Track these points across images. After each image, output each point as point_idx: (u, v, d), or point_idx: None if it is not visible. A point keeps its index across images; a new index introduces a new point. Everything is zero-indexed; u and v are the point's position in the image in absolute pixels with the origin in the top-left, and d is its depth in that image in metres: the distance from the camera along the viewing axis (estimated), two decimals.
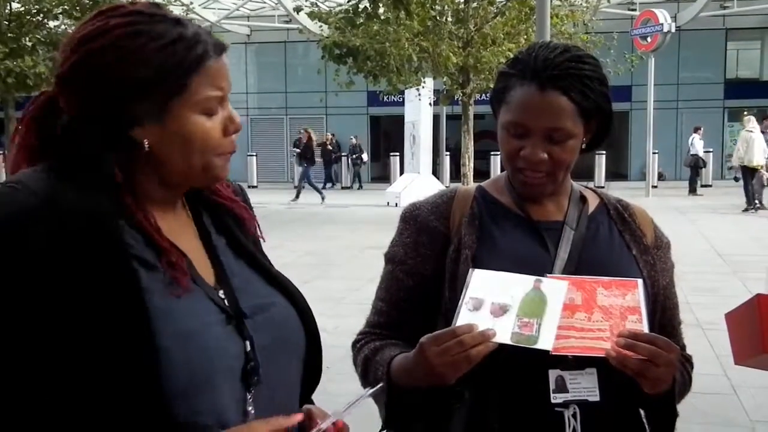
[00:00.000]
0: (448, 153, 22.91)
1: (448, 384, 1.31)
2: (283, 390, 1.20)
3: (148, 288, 1.06)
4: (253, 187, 22.70)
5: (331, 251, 10.86)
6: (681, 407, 1.47)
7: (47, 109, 1.15)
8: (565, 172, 1.49)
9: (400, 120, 20.91)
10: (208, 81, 1.13)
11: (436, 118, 20.07)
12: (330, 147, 25.31)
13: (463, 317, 1.31)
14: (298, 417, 1.14)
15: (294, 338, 1.23)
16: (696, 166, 19.99)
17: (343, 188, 25.04)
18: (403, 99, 19.32)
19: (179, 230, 1.17)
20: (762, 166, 15.49)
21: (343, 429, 1.17)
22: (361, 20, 14.51)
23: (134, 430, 1.03)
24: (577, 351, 1.32)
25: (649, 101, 19.70)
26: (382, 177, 25.99)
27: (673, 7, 24.43)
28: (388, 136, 28.85)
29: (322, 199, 18.65)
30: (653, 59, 19.70)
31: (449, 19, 14.65)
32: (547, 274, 1.39)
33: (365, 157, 25.80)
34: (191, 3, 17.06)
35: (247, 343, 1.14)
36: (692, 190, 19.64)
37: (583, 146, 1.49)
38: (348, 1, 15.38)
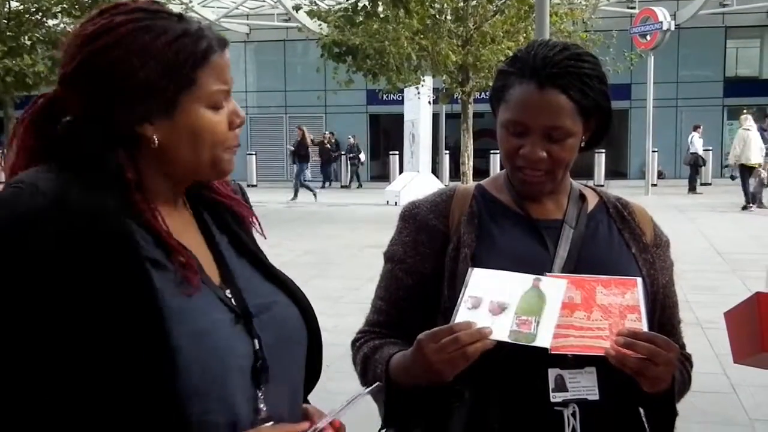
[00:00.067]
0: (447, 151, 22.91)
1: (445, 381, 1.31)
2: (288, 388, 1.21)
3: (160, 288, 1.06)
4: (253, 186, 22.71)
5: (331, 250, 10.86)
6: (680, 406, 1.47)
7: (47, 111, 1.14)
8: (565, 171, 1.49)
9: (399, 118, 20.89)
10: (214, 75, 1.14)
11: (435, 117, 20.06)
12: (328, 145, 25.31)
13: (462, 315, 1.31)
14: (305, 425, 1.15)
15: (297, 336, 1.23)
16: (695, 164, 20.00)
17: (342, 187, 25.04)
18: (403, 97, 19.30)
19: (182, 228, 1.18)
20: (760, 165, 15.53)
21: (340, 428, 1.18)
22: (361, 19, 14.49)
23: (149, 430, 1.03)
24: (577, 350, 1.31)
25: (649, 99, 19.71)
26: (382, 176, 25.99)
27: (673, 5, 24.42)
28: (387, 135, 28.86)
29: (309, 196, 18.67)
30: (652, 57, 19.70)
31: (448, 17, 14.64)
32: (547, 273, 1.39)
33: (362, 156, 25.78)
34: (190, 1, 17.04)
35: (256, 341, 1.14)
36: (692, 189, 19.65)
37: (583, 144, 1.49)
38: (347, 0, 15.37)
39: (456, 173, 18.90)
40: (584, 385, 1.38)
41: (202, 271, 1.15)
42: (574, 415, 1.37)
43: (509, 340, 1.28)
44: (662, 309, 1.52)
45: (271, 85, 28.99)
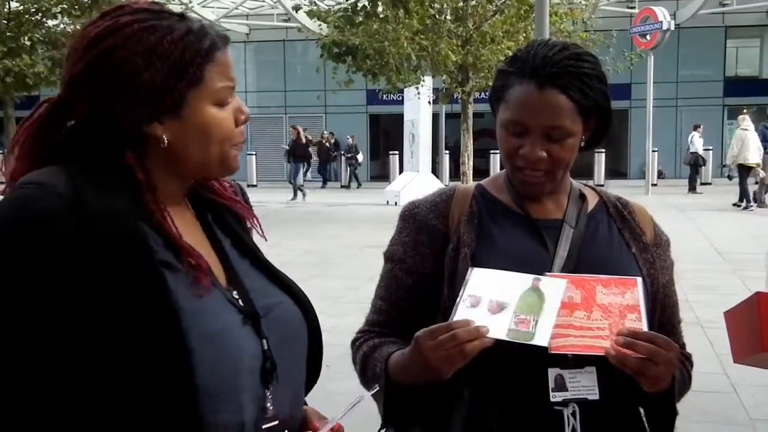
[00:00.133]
0: (447, 151, 22.91)
1: (443, 379, 1.30)
2: (292, 388, 1.22)
3: (173, 289, 1.07)
4: (253, 186, 22.71)
5: (331, 250, 10.86)
6: (680, 405, 1.46)
7: (51, 116, 1.14)
8: (564, 171, 1.49)
9: (399, 118, 20.89)
10: (220, 72, 1.15)
11: (435, 117, 20.06)
12: (327, 144, 25.31)
13: (461, 313, 1.31)
14: None
15: (299, 337, 1.25)
16: (695, 164, 20.00)
17: (342, 187, 25.05)
18: (403, 97, 19.31)
19: (187, 229, 1.18)
20: (758, 164, 15.58)
21: (339, 430, 1.20)
22: (360, 19, 14.49)
23: (164, 428, 1.04)
24: (577, 350, 1.31)
25: (649, 99, 19.70)
26: (382, 176, 25.99)
27: (673, 5, 24.42)
28: (387, 135, 28.86)
29: (300, 197, 18.61)
30: (652, 57, 19.70)
31: (448, 17, 14.65)
32: (546, 273, 1.39)
33: (360, 157, 25.76)
34: (190, 2, 17.05)
35: (264, 342, 1.15)
36: (692, 188, 19.66)
37: (582, 144, 1.49)
38: (347, 0, 15.36)
39: (456, 173, 18.90)
40: (584, 385, 1.38)
41: (210, 273, 1.15)
42: (574, 414, 1.37)
43: (507, 339, 1.28)
44: (662, 308, 1.52)
45: (270, 86, 28.99)
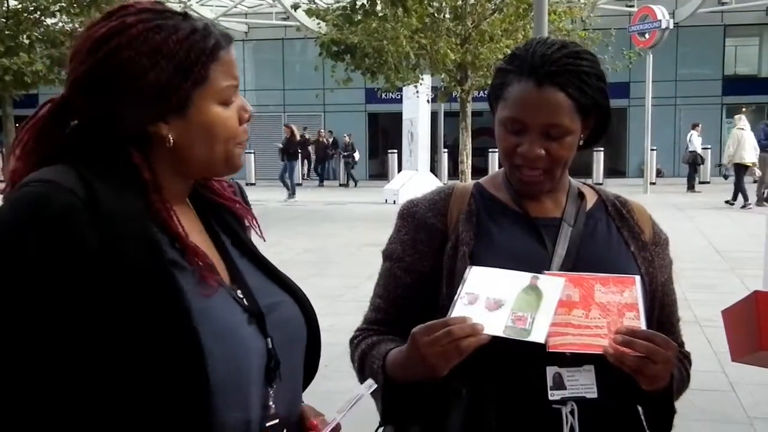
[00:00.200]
0: (446, 150, 22.90)
1: (440, 376, 1.30)
2: (292, 386, 1.23)
3: (184, 289, 1.08)
4: (251, 184, 22.70)
5: (330, 248, 10.86)
6: (679, 404, 1.47)
7: (54, 116, 1.14)
8: (563, 169, 1.49)
9: (398, 117, 20.90)
10: (224, 71, 1.15)
11: (434, 115, 20.05)
12: (324, 141, 25.31)
13: (458, 311, 1.32)
14: None
15: (299, 336, 1.25)
16: (694, 162, 20.01)
17: (340, 185, 25.05)
18: (401, 96, 19.31)
19: (190, 228, 1.18)
20: (754, 164, 15.65)
21: (337, 429, 1.20)
22: (359, 17, 14.47)
23: (178, 426, 1.05)
24: (575, 348, 1.31)
25: (647, 98, 19.70)
26: (380, 174, 25.99)
27: (671, 4, 24.42)
28: (386, 133, 28.87)
29: (288, 197, 18.61)
30: (651, 56, 19.69)
31: (447, 15, 14.64)
32: (545, 271, 1.39)
33: (357, 156, 25.76)
34: (188, 0, 17.03)
35: (269, 340, 1.16)
36: (690, 187, 19.67)
37: (581, 143, 1.49)
38: None
39: (454, 172, 18.91)
40: (582, 383, 1.38)
41: (215, 272, 1.16)
42: (572, 413, 1.37)
43: (504, 335, 1.28)
44: (661, 307, 1.52)
45: (269, 84, 28.99)
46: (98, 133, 1.12)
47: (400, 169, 20.59)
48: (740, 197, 15.47)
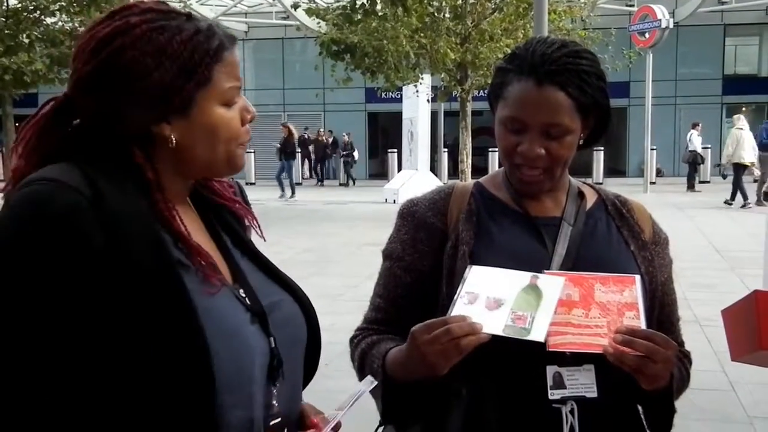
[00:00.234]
0: (446, 149, 22.91)
1: (439, 374, 1.30)
2: (293, 385, 1.23)
3: (189, 288, 1.08)
4: (251, 184, 22.71)
5: (330, 248, 10.86)
6: (679, 403, 1.47)
7: (56, 115, 1.14)
8: (563, 168, 1.49)
9: (397, 116, 20.89)
10: (228, 72, 1.16)
11: (434, 115, 20.05)
12: (323, 140, 25.32)
13: (458, 310, 1.32)
14: None
15: (299, 335, 1.26)
16: (694, 162, 20.02)
17: (340, 185, 25.05)
18: (401, 95, 19.31)
19: (192, 228, 1.19)
20: (752, 163, 15.70)
21: (337, 427, 1.21)
22: (359, 17, 14.47)
23: (184, 425, 1.05)
24: (575, 347, 1.31)
25: (647, 97, 19.70)
26: (380, 174, 25.99)
27: (672, 3, 24.41)
28: (385, 133, 28.86)
29: (281, 196, 18.56)
30: (651, 55, 19.70)
31: (447, 15, 14.64)
32: (545, 271, 1.39)
33: (356, 155, 25.77)
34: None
35: (271, 339, 1.17)
36: (690, 187, 19.68)
37: (581, 142, 1.48)
38: None
39: (454, 171, 18.90)
40: (582, 383, 1.38)
41: (218, 271, 1.16)
42: (572, 412, 1.37)
43: (503, 334, 1.28)
44: (661, 306, 1.52)
45: (269, 83, 28.98)
46: (101, 132, 1.12)
47: (400, 169, 20.60)
48: (739, 197, 15.50)
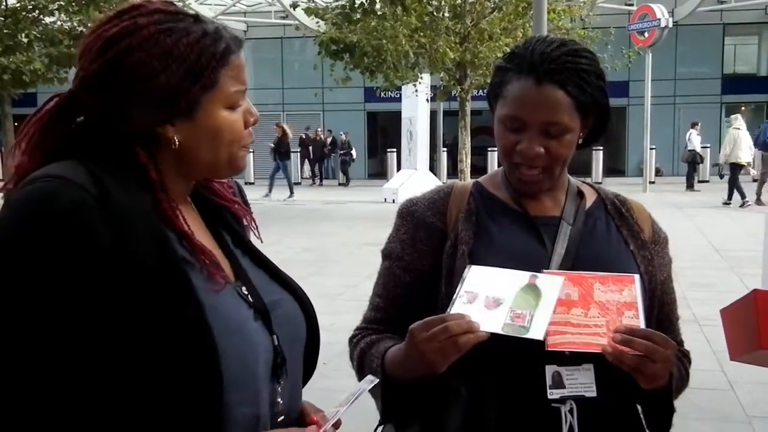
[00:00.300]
0: (445, 149, 22.91)
1: (438, 372, 1.30)
2: (294, 383, 1.24)
3: (195, 285, 1.08)
4: (250, 183, 22.69)
5: (329, 248, 10.86)
6: (678, 403, 1.47)
7: (60, 111, 1.14)
8: (562, 167, 1.49)
9: (397, 116, 20.89)
10: (233, 75, 1.16)
11: (433, 114, 20.05)
12: (320, 139, 25.32)
13: (457, 308, 1.32)
14: (312, 429, 1.17)
15: (299, 333, 1.26)
16: (693, 161, 20.03)
17: (339, 184, 25.05)
18: (400, 95, 19.30)
19: (194, 227, 1.19)
20: (749, 163, 15.76)
21: (337, 424, 1.21)
22: (358, 16, 14.48)
23: (192, 420, 1.06)
24: (574, 347, 1.31)
25: (647, 97, 19.70)
26: (379, 173, 25.99)
27: (671, 2, 24.41)
28: (385, 132, 28.85)
29: (265, 195, 18.52)
30: (650, 54, 19.70)
31: (446, 14, 14.64)
32: (544, 270, 1.39)
33: (354, 153, 25.79)
34: None
35: (275, 337, 1.18)
36: (689, 186, 19.69)
37: (580, 141, 1.48)
38: None
39: (454, 171, 18.89)
40: (582, 382, 1.38)
41: (221, 269, 1.17)
42: (571, 411, 1.37)
43: (502, 332, 1.28)
44: (660, 306, 1.52)
45: (268, 83, 28.95)
46: (105, 131, 1.12)
47: (399, 168, 20.59)
48: (737, 196, 15.52)
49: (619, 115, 25.12)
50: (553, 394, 1.37)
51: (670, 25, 19.66)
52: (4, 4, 16.03)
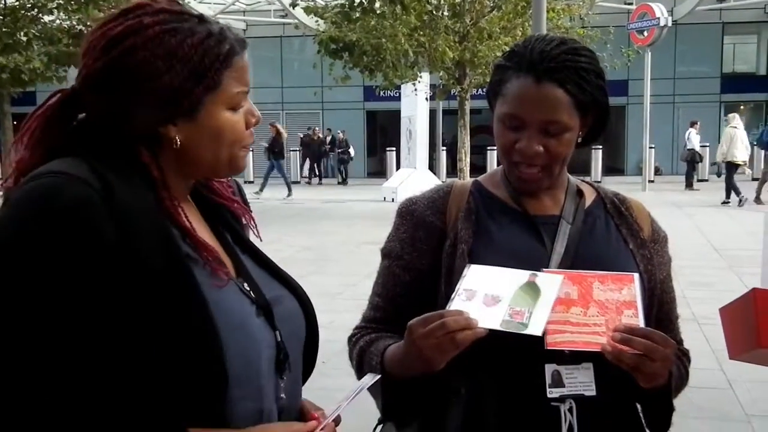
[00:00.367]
0: (444, 148, 22.91)
1: (436, 369, 1.30)
2: (295, 380, 1.25)
3: (199, 281, 1.09)
4: (249, 182, 22.69)
5: (328, 246, 10.86)
6: (677, 401, 1.47)
7: (63, 107, 1.14)
8: (561, 166, 1.49)
9: (396, 115, 20.89)
10: (237, 77, 1.16)
11: (432, 113, 20.04)
12: (319, 139, 25.31)
13: (456, 306, 1.31)
14: (313, 424, 1.18)
15: (299, 331, 1.27)
16: (692, 160, 20.03)
17: (338, 183, 25.05)
18: (400, 94, 19.29)
19: (195, 224, 1.19)
20: (744, 162, 15.80)
21: (336, 420, 1.22)
22: (357, 15, 14.47)
23: (197, 413, 1.06)
24: (573, 346, 1.31)
25: (646, 96, 19.71)
26: (379, 172, 25.99)
27: (670, 1, 24.39)
28: (384, 131, 28.85)
29: (256, 193, 18.45)
30: (650, 53, 19.70)
31: (445, 13, 14.63)
32: (544, 269, 1.39)
33: (352, 152, 25.79)
34: None
35: (277, 333, 1.19)
36: (689, 185, 19.69)
37: (579, 140, 1.48)
38: None
39: (453, 170, 18.89)
40: (581, 381, 1.38)
41: (224, 265, 1.17)
42: (570, 410, 1.37)
43: (501, 329, 1.28)
44: (660, 304, 1.52)
45: (267, 82, 28.92)
46: (107, 128, 1.13)
47: (398, 167, 20.59)
48: (734, 195, 15.53)
49: (618, 114, 25.14)
50: (553, 393, 1.37)
51: (670, 24, 19.67)
52: (3, 2, 16.01)
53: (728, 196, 15.72)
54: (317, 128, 26.81)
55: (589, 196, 1.58)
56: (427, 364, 1.30)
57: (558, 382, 1.37)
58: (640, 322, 1.32)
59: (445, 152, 22.98)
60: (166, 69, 1.10)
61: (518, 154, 1.44)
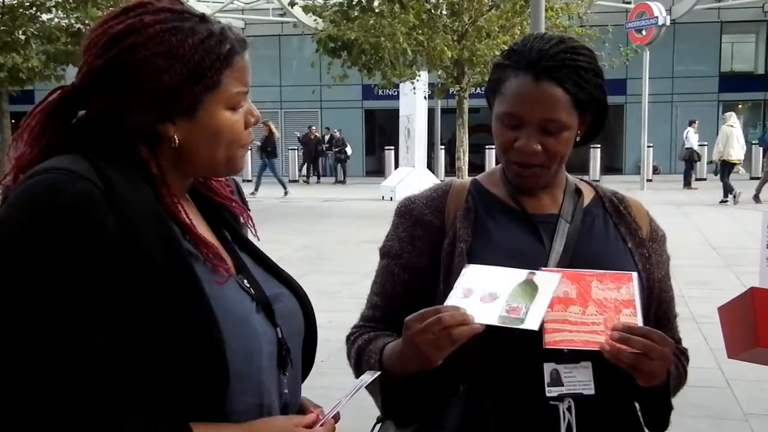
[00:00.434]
0: (443, 147, 22.91)
1: (433, 365, 1.30)
2: (295, 377, 1.25)
3: (200, 278, 1.09)
4: (248, 181, 22.67)
5: (327, 245, 10.86)
6: (675, 400, 1.47)
7: (63, 104, 1.14)
8: (560, 165, 1.49)
9: (394, 114, 20.87)
10: (237, 77, 1.16)
11: (431, 112, 20.03)
12: (314, 137, 25.32)
13: (453, 302, 1.31)
14: (312, 416, 1.18)
15: (298, 328, 1.27)
16: (690, 159, 20.07)
17: (336, 182, 25.05)
18: (398, 93, 19.29)
19: (194, 221, 1.19)
20: (740, 161, 15.85)
21: (336, 417, 1.22)
22: (356, 13, 14.45)
23: (199, 408, 1.06)
24: (572, 345, 1.31)
25: (644, 95, 19.72)
26: (377, 171, 25.99)
27: (668, 0, 24.42)
28: (382, 130, 28.84)
29: (251, 193, 18.40)
30: (648, 52, 19.70)
31: (444, 12, 14.62)
32: (542, 268, 1.39)
33: (349, 150, 25.79)
34: None
35: (278, 329, 1.19)
36: (687, 184, 19.71)
37: (578, 139, 1.48)
38: None
39: (451, 168, 18.89)
40: (580, 380, 1.38)
41: (224, 262, 1.18)
42: (569, 409, 1.38)
43: (498, 324, 1.27)
44: (658, 303, 1.52)
45: (266, 80, 28.89)
46: (107, 125, 1.13)
47: (396, 166, 20.58)
48: (731, 195, 15.56)
49: (616, 113, 25.14)
50: (552, 391, 1.37)
51: (668, 23, 19.68)
52: (1, 1, 15.98)
53: (725, 195, 15.75)
54: (314, 127, 26.82)
55: (588, 195, 1.58)
56: (424, 361, 1.30)
57: (557, 381, 1.37)
58: (639, 321, 1.32)
59: (443, 151, 22.97)
60: (166, 68, 1.10)
61: (517, 152, 1.44)
